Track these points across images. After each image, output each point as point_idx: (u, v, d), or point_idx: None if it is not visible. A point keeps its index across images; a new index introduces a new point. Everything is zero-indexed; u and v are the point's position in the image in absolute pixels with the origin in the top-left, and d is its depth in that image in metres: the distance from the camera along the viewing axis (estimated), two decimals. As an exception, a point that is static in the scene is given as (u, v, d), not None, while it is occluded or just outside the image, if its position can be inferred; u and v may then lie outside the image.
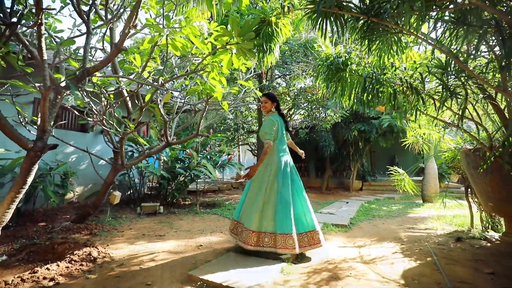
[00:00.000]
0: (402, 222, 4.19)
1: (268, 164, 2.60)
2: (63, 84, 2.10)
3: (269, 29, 3.01)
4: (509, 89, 2.12)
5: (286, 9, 2.59)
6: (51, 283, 1.78)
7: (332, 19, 2.47)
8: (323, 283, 1.88)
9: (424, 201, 6.64)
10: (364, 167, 10.40)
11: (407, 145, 4.44)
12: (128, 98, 3.60)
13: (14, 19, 1.80)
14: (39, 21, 1.47)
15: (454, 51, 2.21)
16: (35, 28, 1.70)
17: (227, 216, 4.52)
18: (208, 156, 5.63)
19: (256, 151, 10.54)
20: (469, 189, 3.60)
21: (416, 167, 4.49)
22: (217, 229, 3.57)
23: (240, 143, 11.66)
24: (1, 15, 1.66)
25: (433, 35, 2.75)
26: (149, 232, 3.37)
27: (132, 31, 2.93)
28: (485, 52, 2.34)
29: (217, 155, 5.76)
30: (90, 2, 2.16)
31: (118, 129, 3.26)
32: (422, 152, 6.48)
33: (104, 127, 3.16)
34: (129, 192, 5.62)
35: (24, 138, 1.86)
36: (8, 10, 1.76)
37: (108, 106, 3.13)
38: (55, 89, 1.94)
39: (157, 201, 5.15)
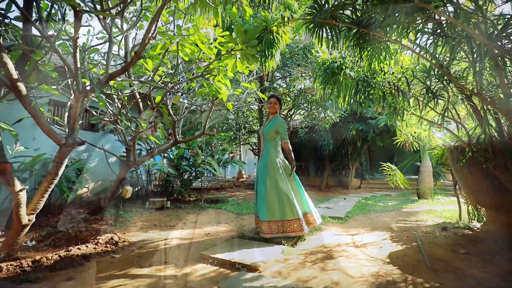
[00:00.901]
0: (395, 216, 4.46)
1: (283, 160, 3.04)
2: (88, 88, 2.38)
3: (271, 37, 3.29)
4: (483, 91, 2.39)
5: (286, 19, 2.86)
6: (84, 260, 2.06)
7: (327, 28, 2.75)
8: (318, 261, 2.16)
9: (419, 197, 6.91)
10: (362, 166, 10.67)
11: (405, 145, 4.70)
12: (139, 100, 3.88)
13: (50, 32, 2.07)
14: (76, 36, 1.73)
15: (439, 57, 2.48)
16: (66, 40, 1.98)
17: (231, 210, 4.79)
18: (213, 154, 5.91)
19: (256, 150, 10.81)
20: (456, 184, 3.87)
21: (408, 163, 4.76)
22: (222, 221, 3.85)
23: (241, 142, 11.94)
24: (40, 28, 1.93)
25: (422, 42, 3.02)
26: (160, 223, 3.65)
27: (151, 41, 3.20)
28: (464, 58, 2.61)
29: (220, 153, 6.03)
30: (113, 12, 2.43)
31: (133, 128, 3.53)
32: (419, 151, 6.74)
33: (118, 127, 3.44)
34: (136, 189, 5.90)
35: (58, 135, 2.14)
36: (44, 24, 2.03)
37: (122, 107, 3.41)
38: (84, 93, 2.21)
39: (164, 197, 5.43)
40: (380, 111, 3.34)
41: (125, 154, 4.89)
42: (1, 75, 1.71)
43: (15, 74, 1.65)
